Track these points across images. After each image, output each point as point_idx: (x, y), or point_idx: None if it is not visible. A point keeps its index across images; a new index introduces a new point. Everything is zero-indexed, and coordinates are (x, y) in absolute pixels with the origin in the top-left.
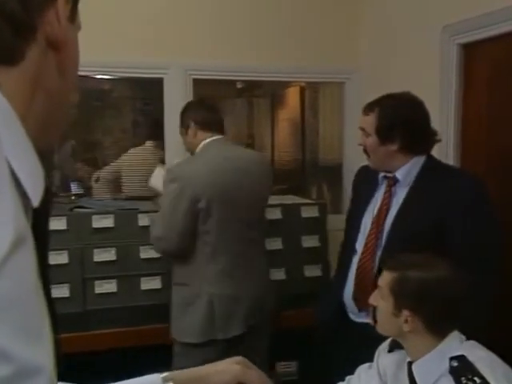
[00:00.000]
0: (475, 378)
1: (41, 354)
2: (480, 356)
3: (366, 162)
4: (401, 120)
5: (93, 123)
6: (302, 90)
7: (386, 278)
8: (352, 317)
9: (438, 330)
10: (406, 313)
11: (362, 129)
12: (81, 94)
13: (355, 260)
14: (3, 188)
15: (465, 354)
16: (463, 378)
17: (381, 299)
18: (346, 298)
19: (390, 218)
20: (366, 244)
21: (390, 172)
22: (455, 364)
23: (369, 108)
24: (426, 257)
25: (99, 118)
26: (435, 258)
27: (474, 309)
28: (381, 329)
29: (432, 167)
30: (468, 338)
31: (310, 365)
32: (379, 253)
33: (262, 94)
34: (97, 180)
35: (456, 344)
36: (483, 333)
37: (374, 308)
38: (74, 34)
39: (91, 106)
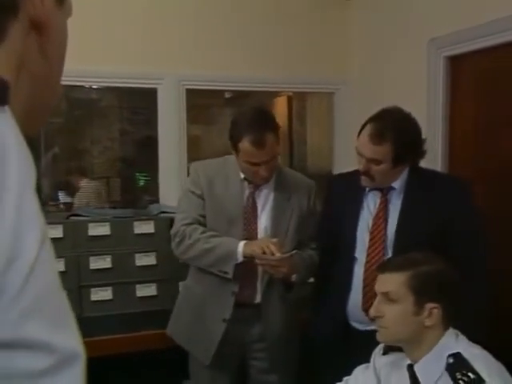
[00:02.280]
0: (469, 374)
1: (74, 339)
2: (474, 353)
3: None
4: (414, 142)
5: (82, 132)
6: (290, 100)
7: (397, 280)
8: (357, 326)
9: (449, 320)
10: (429, 305)
11: (373, 159)
12: (70, 103)
13: (358, 270)
14: (28, 182)
15: (460, 351)
16: (458, 374)
17: (393, 304)
18: (352, 308)
19: (392, 225)
20: (369, 254)
21: None
22: (451, 361)
23: (380, 137)
24: (424, 253)
25: (88, 126)
26: (430, 253)
27: (475, 309)
28: (391, 335)
29: (417, 171)
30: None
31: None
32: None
33: (251, 103)
34: None
35: (452, 341)
36: (483, 332)
37: (375, 319)
38: (61, 19)
39: (80, 115)
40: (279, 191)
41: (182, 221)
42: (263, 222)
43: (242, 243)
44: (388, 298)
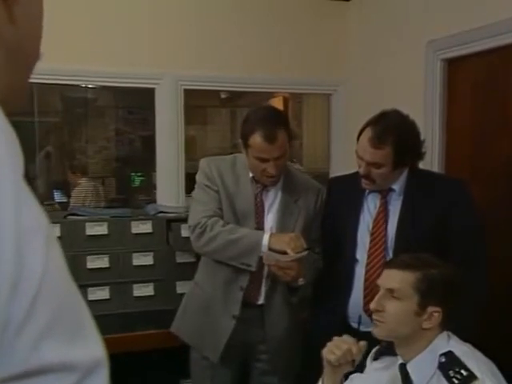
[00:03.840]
0: (462, 371)
1: (94, 345)
2: (465, 351)
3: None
4: (413, 145)
5: (78, 131)
6: (286, 101)
7: (405, 279)
8: (358, 327)
9: (446, 324)
10: (431, 309)
11: (373, 163)
12: (66, 103)
13: (360, 270)
14: (21, 180)
15: (452, 350)
16: (451, 372)
17: (395, 301)
18: (353, 308)
19: (392, 226)
20: (369, 255)
21: None
22: (443, 359)
23: (380, 141)
24: (433, 255)
25: (84, 126)
26: (438, 256)
27: (468, 307)
28: (387, 331)
29: (416, 172)
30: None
31: None
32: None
33: (246, 104)
34: None
35: (444, 341)
36: (473, 330)
37: (374, 312)
38: None
39: (76, 114)
40: (287, 192)
41: (203, 213)
42: (269, 222)
43: (266, 235)
44: (392, 294)
